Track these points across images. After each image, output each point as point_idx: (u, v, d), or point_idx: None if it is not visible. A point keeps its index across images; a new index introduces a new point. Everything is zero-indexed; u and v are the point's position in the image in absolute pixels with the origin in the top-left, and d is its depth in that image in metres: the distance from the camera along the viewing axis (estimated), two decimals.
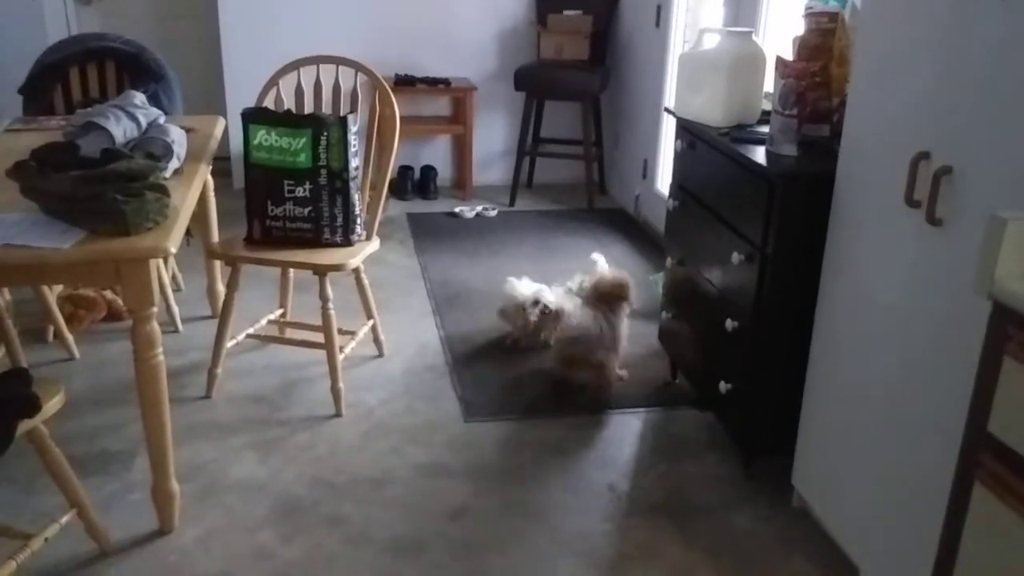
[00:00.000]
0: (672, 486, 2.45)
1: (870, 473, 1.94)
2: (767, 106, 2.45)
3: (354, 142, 2.61)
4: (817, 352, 2.17)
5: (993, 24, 1.52)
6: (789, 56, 2.43)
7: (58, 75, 3.29)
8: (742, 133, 2.44)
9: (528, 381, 2.98)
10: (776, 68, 2.31)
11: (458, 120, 5.01)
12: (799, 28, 2.46)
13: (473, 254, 4.12)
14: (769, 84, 2.43)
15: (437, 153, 5.23)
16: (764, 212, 2.17)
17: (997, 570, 1.25)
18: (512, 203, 4.92)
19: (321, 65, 2.87)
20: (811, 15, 2.41)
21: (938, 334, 1.70)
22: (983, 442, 1.25)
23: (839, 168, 2.04)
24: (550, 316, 3.03)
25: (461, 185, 5.12)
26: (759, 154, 2.27)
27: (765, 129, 2.37)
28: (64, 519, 1.97)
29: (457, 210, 4.74)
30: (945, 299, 1.67)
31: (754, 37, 2.62)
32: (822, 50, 2.37)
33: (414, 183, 5.07)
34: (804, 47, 2.41)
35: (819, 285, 2.14)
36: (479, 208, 4.77)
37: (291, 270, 3.05)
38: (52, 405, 1.83)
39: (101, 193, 1.92)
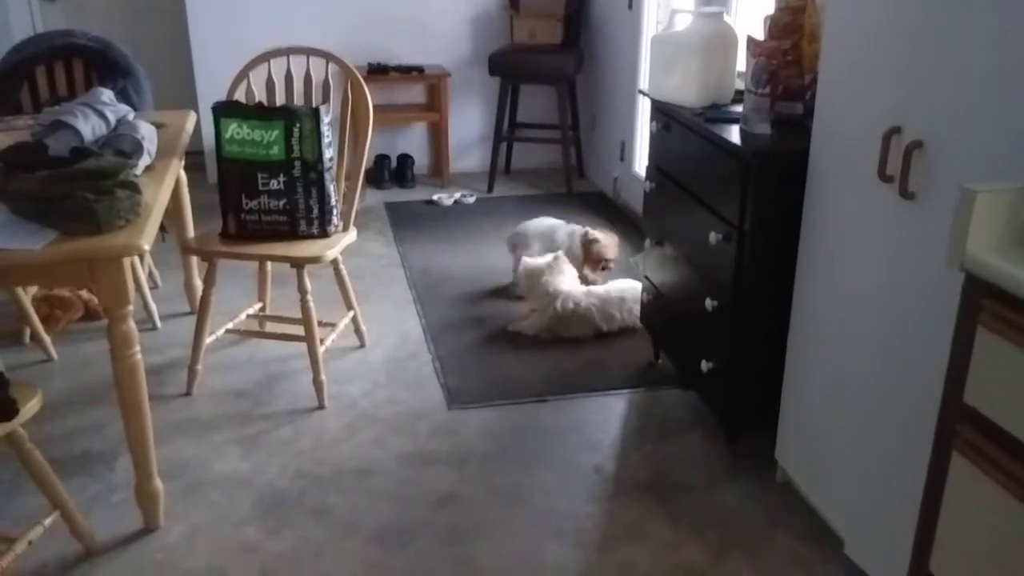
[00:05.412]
0: (657, 465, 2.46)
1: (852, 446, 1.96)
2: (740, 85, 2.45)
3: (327, 133, 2.59)
4: (796, 328, 2.19)
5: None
6: (760, 35, 2.43)
7: (24, 74, 3.24)
8: (716, 113, 2.45)
9: (511, 366, 2.99)
10: (748, 47, 2.31)
11: (433, 107, 4.98)
12: (770, 6, 2.46)
13: (452, 241, 4.11)
14: (742, 63, 2.43)
15: (413, 141, 5.21)
16: (740, 191, 2.18)
17: (976, 536, 1.27)
18: (490, 189, 4.91)
19: (291, 56, 2.85)
20: None
21: (914, 306, 1.71)
22: (959, 412, 1.27)
23: (812, 145, 2.05)
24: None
25: (438, 172, 5.10)
26: (733, 133, 2.27)
27: (739, 108, 2.37)
28: (47, 521, 1.96)
29: (435, 198, 4.73)
30: (920, 272, 1.68)
31: (725, 17, 2.62)
32: (793, 28, 2.37)
33: (391, 172, 5.04)
34: (775, 25, 2.42)
35: (796, 262, 2.15)
36: (457, 195, 4.76)
37: (268, 263, 3.03)
38: (29, 408, 1.82)
39: (71, 192, 1.90)
